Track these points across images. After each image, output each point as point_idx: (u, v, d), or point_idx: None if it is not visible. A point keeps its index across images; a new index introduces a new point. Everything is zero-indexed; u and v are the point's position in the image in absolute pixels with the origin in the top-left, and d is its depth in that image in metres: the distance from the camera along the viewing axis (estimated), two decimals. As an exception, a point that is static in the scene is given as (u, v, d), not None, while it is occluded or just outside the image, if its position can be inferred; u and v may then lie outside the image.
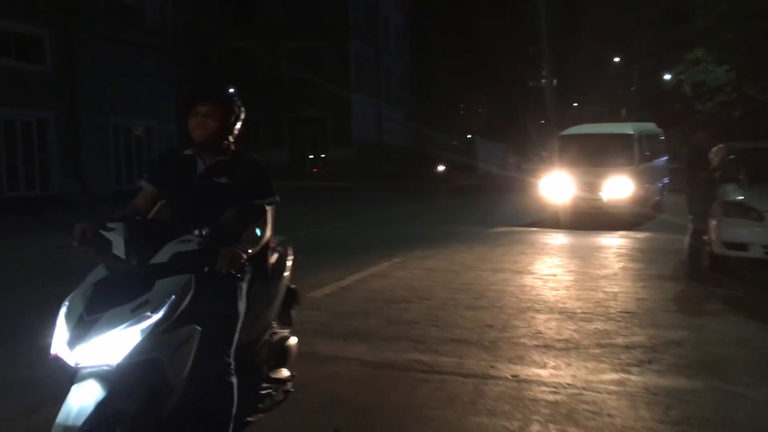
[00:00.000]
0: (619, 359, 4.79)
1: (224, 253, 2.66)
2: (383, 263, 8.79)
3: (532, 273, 8.18)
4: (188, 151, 3.09)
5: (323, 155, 37.09)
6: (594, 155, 14.16)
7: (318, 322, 5.80)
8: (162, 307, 2.49)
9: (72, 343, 2.42)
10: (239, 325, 2.89)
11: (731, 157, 8.91)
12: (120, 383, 2.42)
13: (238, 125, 3.10)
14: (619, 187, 13.33)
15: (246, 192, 2.99)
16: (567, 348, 5.07)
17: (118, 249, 2.62)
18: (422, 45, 47.82)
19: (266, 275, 3.23)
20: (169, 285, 2.55)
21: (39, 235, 12.24)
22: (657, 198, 15.31)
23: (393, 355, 4.92)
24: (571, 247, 10.51)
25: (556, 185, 13.99)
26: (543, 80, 76.03)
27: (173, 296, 2.53)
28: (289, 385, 3.48)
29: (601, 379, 4.39)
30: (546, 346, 5.11)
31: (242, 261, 2.71)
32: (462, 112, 63.55)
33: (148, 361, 2.48)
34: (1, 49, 17.72)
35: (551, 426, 3.64)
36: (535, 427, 3.63)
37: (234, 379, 2.84)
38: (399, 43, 45.05)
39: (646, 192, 14.02)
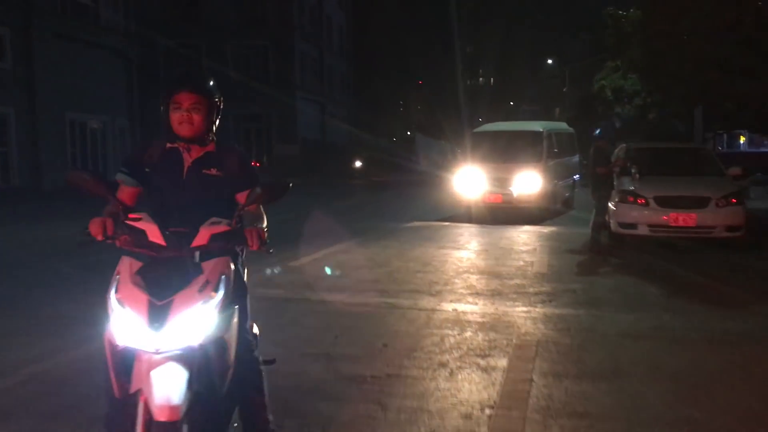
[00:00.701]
0: (529, 300, 6.76)
1: (251, 231, 2.72)
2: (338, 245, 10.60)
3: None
4: (169, 144, 2.99)
5: (268, 152, 38.48)
6: (505, 152, 14.72)
7: (303, 281, 7.59)
8: (220, 286, 2.56)
9: (153, 326, 2.42)
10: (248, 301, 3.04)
11: (626, 155, 11.10)
12: (198, 364, 2.50)
13: (218, 117, 3.05)
14: (528, 183, 14.04)
15: (238, 182, 2.97)
16: (493, 294, 7.02)
17: (156, 237, 2.60)
18: (364, 44, 49.66)
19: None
20: (218, 265, 2.61)
21: (19, 224, 13.52)
22: (567, 194, 16.14)
23: (366, 299, 6.77)
24: (485, 242, 11.46)
25: (468, 181, 14.51)
26: (480, 79, 79.14)
27: (223, 276, 2.59)
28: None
29: (515, 310, 6.35)
30: (477, 294, 7.05)
31: (264, 235, 2.78)
32: (401, 110, 65.64)
33: (217, 340, 2.56)
34: (-36, 46, 18.61)
35: (479, 332, 5.55)
36: (468, 333, 5.55)
37: (258, 353, 3.09)
38: (341, 42, 46.80)
39: (554, 188, 14.80)
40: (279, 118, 37.33)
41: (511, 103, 68.99)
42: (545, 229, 12.60)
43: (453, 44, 60.91)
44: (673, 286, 7.44)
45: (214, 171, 2.96)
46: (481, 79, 78.94)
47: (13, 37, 20.07)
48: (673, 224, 9.56)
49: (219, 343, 2.57)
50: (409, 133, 56.43)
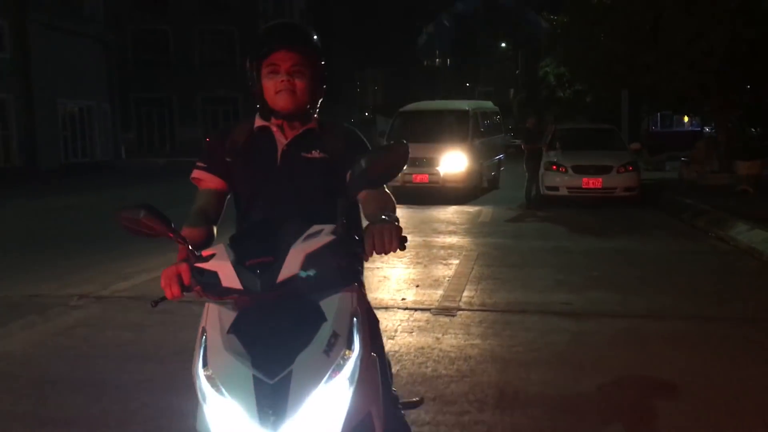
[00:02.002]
0: (474, 235, 10.01)
1: (381, 228, 1.89)
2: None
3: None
4: (259, 121, 2.31)
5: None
6: (431, 131, 14.90)
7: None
8: (355, 336, 1.79)
9: (267, 421, 1.66)
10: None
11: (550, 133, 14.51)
12: None
13: (325, 86, 2.36)
14: (455, 163, 14.29)
15: (347, 165, 2.05)
16: (451, 232, 10.25)
17: (230, 279, 1.82)
18: (323, 25, 52.35)
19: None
20: (344, 303, 1.82)
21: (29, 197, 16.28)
22: (493, 173, 16.78)
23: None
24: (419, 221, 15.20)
25: None
26: (437, 60, 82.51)
27: (355, 318, 1.81)
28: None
29: (464, 240, 9.58)
30: (448, 232, 10.28)
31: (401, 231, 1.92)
32: (359, 90, 68.45)
33: (362, 420, 1.82)
34: (-32, 38, 20.93)
35: (441, 250, 8.77)
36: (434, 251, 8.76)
37: (399, 399, 2.49)
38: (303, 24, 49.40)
39: (481, 167, 15.25)
40: (245, 99, 39.98)
41: (467, 84, 72.51)
42: (472, 209, 13.18)
43: (411, 26, 63.96)
44: (576, 227, 10.80)
45: (316, 153, 2.28)
46: (437, 60, 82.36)
47: (10, 28, 22.39)
48: (585, 186, 12.99)
49: (365, 424, 1.83)
50: (367, 114, 59.47)
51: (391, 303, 6.09)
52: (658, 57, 14.29)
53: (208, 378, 1.74)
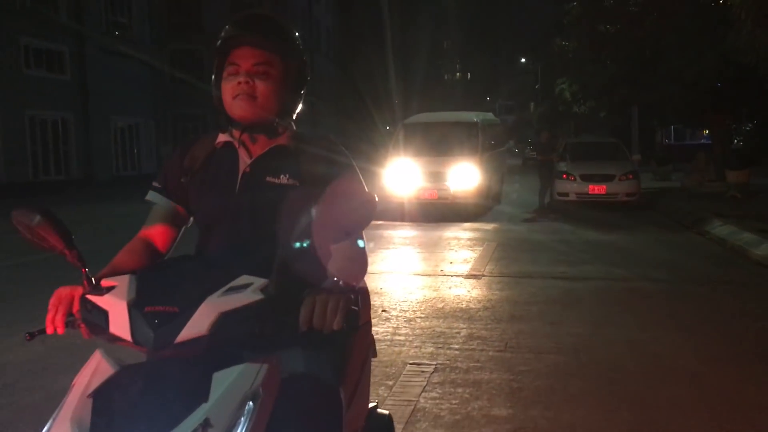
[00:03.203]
0: (494, 233, 12.27)
1: (326, 298, 1.49)
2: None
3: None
4: (222, 136, 1.93)
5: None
6: (439, 144, 14.46)
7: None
8: (239, 429, 1.34)
9: None
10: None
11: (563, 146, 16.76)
12: None
13: (303, 91, 1.96)
14: (466, 177, 13.82)
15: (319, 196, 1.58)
16: (474, 228, 12.51)
17: (119, 325, 1.44)
18: (349, 43, 55.03)
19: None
20: (236, 380, 1.38)
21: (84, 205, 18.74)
22: (496, 189, 16.53)
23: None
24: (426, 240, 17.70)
25: (399, 176, 13.95)
26: (458, 74, 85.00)
27: (249, 403, 1.37)
28: None
29: (484, 235, 11.84)
30: (465, 233, 12.54)
31: (354, 305, 1.52)
32: (382, 104, 70.93)
33: None
34: (36, 62, 23.60)
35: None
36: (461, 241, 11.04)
37: None
38: (329, 44, 52.13)
39: (489, 182, 15.05)
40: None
41: (488, 98, 74.98)
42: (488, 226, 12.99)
43: (433, 41, 66.47)
44: (581, 225, 13.01)
45: (284, 178, 1.83)
46: (458, 74, 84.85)
47: (71, 53, 25.10)
48: (591, 192, 15.20)
49: None
50: (388, 127, 62.01)
51: (431, 272, 8.38)
52: (657, 79, 16.52)
53: None
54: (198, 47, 41.29)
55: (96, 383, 1.41)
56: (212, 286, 1.47)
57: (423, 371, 4.69)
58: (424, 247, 10.55)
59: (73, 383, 1.45)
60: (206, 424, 1.31)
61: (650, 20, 15.07)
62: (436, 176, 13.93)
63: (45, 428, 1.39)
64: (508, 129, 67.38)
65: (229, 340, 1.45)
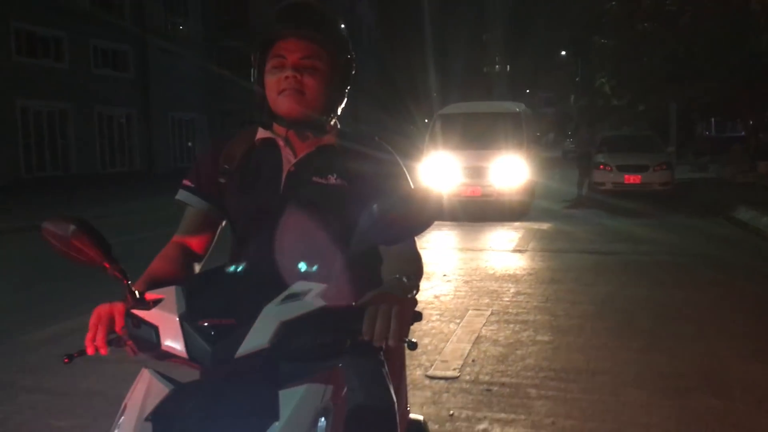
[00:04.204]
0: (533, 220, 13.61)
1: (388, 305, 1.39)
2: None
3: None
4: (262, 132, 1.83)
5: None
6: (480, 136, 13.60)
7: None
8: None
9: None
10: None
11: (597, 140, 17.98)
12: None
13: (348, 88, 1.87)
14: (512, 173, 13.06)
15: (373, 197, 1.50)
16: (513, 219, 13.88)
17: (172, 341, 1.34)
18: (388, 37, 56.45)
19: None
20: (305, 397, 1.32)
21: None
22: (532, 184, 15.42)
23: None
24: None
25: (437, 171, 13.13)
26: (497, 66, 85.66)
27: (322, 420, 1.33)
28: None
29: (527, 225, 13.20)
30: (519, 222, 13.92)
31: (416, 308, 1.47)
32: (421, 98, 72.10)
33: None
34: (104, 61, 25.55)
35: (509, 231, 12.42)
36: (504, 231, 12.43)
37: None
38: (370, 39, 53.65)
39: (533, 177, 14.41)
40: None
41: (528, 91, 75.54)
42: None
43: (472, 34, 67.42)
44: (615, 212, 14.26)
45: (332, 179, 1.76)
46: (497, 66, 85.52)
47: (133, 53, 27.01)
48: (627, 182, 16.42)
49: None
50: (426, 120, 63.31)
51: (481, 248, 9.81)
52: (692, 75, 17.65)
53: None
54: (243, 44, 43.30)
55: (151, 405, 1.31)
56: (267, 294, 1.35)
57: (482, 314, 6.14)
58: (470, 232, 11.95)
59: (124, 404, 1.35)
60: None
61: (684, 20, 16.21)
62: (478, 171, 13.11)
63: None
64: (548, 121, 67.78)
65: (291, 352, 1.32)
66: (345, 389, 1.45)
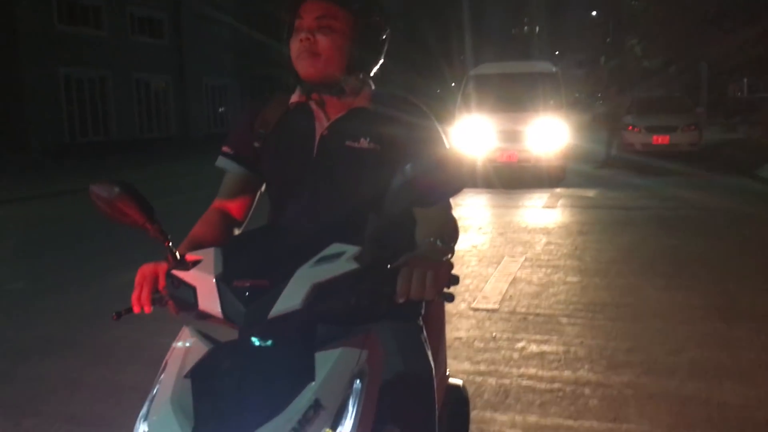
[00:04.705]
0: (570, 180, 14.18)
1: (424, 266, 1.43)
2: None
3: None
4: (296, 96, 1.84)
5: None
6: (514, 98, 12.95)
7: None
8: (347, 410, 1.31)
9: None
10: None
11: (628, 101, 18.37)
12: None
13: (383, 50, 1.85)
14: (551, 137, 12.53)
15: (407, 160, 1.46)
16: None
17: (208, 301, 1.41)
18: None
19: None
20: (340, 360, 1.35)
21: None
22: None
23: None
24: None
25: (469, 135, 12.55)
26: (525, 28, 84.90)
27: (357, 382, 1.35)
28: None
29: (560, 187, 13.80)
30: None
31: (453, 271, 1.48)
32: (449, 60, 71.83)
33: None
34: (140, 29, 26.29)
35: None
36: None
37: None
38: (398, 4, 53.63)
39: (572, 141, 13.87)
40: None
41: (557, 53, 74.88)
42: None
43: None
44: (643, 171, 14.76)
45: (365, 142, 1.76)
46: (526, 28, 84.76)
47: (167, 20, 27.70)
48: (655, 143, 16.85)
49: None
50: (453, 84, 63.24)
51: (512, 205, 10.46)
52: (722, 36, 17.90)
53: None
54: (275, 8, 43.60)
55: (191, 363, 1.35)
56: (301, 256, 1.38)
57: (516, 260, 6.82)
58: (502, 192, 12.56)
59: (165, 361, 1.41)
60: (317, 405, 1.25)
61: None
62: (515, 135, 12.50)
63: (143, 410, 1.33)
64: (578, 83, 67.29)
65: (324, 313, 1.36)
66: (381, 354, 1.46)
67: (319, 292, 1.35)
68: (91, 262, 7.22)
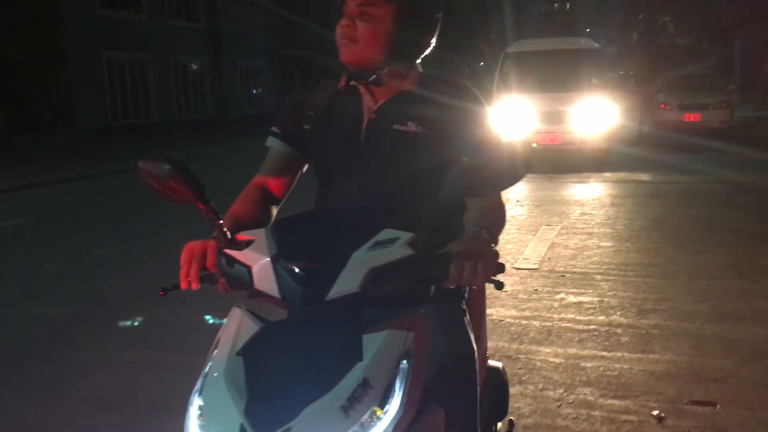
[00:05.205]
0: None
1: (474, 252, 1.48)
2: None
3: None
4: (345, 80, 1.85)
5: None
6: (556, 77, 12.45)
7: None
8: (394, 389, 1.34)
9: None
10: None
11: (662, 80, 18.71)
12: None
13: (434, 34, 1.85)
14: (597, 117, 11.98)
15: (454, 144, 1.73)
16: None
17: (265, 281, 1.45)
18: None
19: None
20: (387, 341, 1.37)
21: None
22: None
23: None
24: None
25: (508, 116, 11.84)
26: (555, 5, 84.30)
27: (404, 362, 1.37)
28: None
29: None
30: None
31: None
32: (482, 38, 71.66)
33: None
34: (177, 12, 27.08)
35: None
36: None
37: None
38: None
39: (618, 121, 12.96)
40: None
41: (588, 30, 74.38)
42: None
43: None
44: (675, 149, 15.20)
45: (412, 126, 1.78)
46: (556, 5, 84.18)
47: (203, 3, 28.46)
48: (686, 120, 17.22)
49: None
50: (482, 63, 63.30)
51: (546, 179, 11.05)
52: (752, 13, 18.14)
53: (200, 410, 1.33)
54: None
55: (242, 341, 1.39)
56: (351, 240, 1.41)
57: (553, 228, 7.45)
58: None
59: (217, 339, 1.44)
60: (365, 384, 1.28)
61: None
62: (558, 116, 11.90)
63: (197, 386, 1.37)
64: (610, 60, 66.72)
65: (378, 297, 1.40)
66: (427, 336, 1.47)
67: (375, 276, 1.38)
68: (165, 230, 8.00)
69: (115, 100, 23.98)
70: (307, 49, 43.92)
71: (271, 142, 1.93)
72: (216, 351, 1.42)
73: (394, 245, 1.40)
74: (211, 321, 4.35)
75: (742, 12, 18.59)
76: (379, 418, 1.27)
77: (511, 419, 1.93)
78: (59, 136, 20.75)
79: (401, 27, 1.74)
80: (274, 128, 1.93)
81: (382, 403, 1.29)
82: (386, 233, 1.43)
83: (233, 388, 1.31)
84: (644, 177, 11.11)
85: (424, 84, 1.84)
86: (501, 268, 1.49)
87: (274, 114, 2.02)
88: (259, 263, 1.44)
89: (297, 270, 1.42)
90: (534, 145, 11.74)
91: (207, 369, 1.40)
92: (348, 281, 1.37)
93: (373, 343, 1.35)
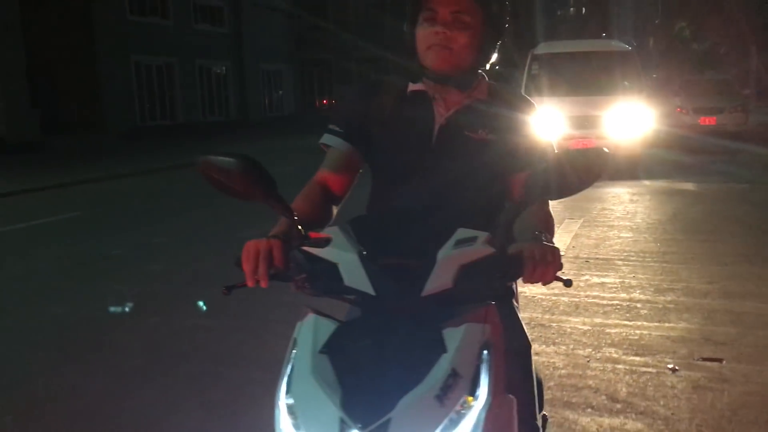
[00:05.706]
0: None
1: (543, 250, 1.58)
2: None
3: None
4: (413, 85, 1.91)
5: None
6: (588, 80, 12.17)
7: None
8: (480, 379, 1.39)
9: None
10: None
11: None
12: None
13: (500, 41, 1.90)
14: (632, 122, 11.61)
15: (517, 156, 1.85)
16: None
17: (357, 279, 1.46)
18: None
19: None
20: (467, 333, 1.42)
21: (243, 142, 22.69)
22: None
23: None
24: None
25: (539, 120, 10.36)
26: (571, 9, 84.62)
27: (485, 352, 1.42)
28: None
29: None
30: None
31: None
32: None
33: None
34: (202, 17, 27.88)
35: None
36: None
37: None
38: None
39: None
40: (393, 59, 45.67)
41: (603, 35, 74.67)
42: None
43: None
44: (692, 150, 15.66)
45: (483, 133, 1.86)
46: (572, 9, 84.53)
47: (227, 8, 29.25)
48: (702, 123, 17.73)
49: None
50: (498, 67, 63.59)
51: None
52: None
53: (290, 409, 1.37)
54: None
55: (322, 339, 1.41)
56: (430, 239, 1.47)
57: (576, 221, 8.03)
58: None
59: (293, 338, 1.46)
60: (454, 374, 1.32)
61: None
62: (590, 121, 11.53)
63: (282, 386, 1.39)
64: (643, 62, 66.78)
65: (465, 293, 1.48)
66: (501, 327, 1.50)
67: (465, 273, 1.44)
68: (217, 222, 8.67)
69: (142, 102, 24.76)
70: (325, 53, 44.85)
71: (332, 140, 1.93)
72: (295, 351, 1.44)
73: (475, 243, 1.47)
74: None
75: (757, 20, 19.07)
76: (471, 406, 1.32)
77: (544, 414, 2.08)
78: (90, 137, 21.52)
79: (486, 35, 1.83)
80: (333, 126, 1.94)
81: (472, 391, 1.34)
82: (463, 232, 1.49)
83: (325, 385, 1.32)
84: (661, 176, 11.66)
85: (493, 93, 1.92)
86: (561, 267, 1.60)
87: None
88: (347, 260, 1.46)
89: (384, 267, 1.46)
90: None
91: (289, 369, 1.42)
92: (442, 278, 1.43)
93: (454, 335, 1.39)
